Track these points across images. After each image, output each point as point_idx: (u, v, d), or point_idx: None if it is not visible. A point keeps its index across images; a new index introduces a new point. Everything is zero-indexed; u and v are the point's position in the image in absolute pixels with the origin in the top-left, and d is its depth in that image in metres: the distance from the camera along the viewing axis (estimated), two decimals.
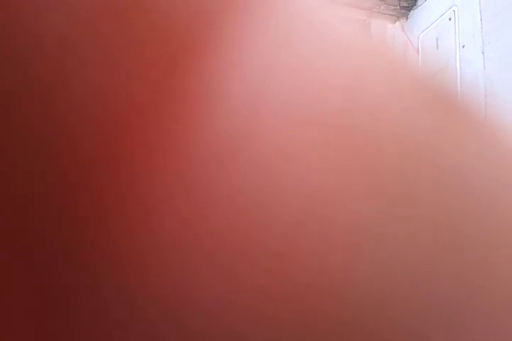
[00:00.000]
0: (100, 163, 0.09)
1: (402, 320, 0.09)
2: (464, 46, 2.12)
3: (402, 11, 2.42)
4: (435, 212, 0.09)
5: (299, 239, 0.09)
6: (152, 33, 0.09)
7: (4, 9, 0.08)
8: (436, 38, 2.27)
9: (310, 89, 0.09)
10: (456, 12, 2.22)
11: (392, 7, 2.37)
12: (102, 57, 0.09)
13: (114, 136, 0.09)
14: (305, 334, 0.09)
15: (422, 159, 0.10)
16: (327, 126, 0.09)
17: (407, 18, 2.45)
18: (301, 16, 0.10)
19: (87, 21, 0.09)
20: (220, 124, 0.09)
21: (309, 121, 0.09)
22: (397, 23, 2.44)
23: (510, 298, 0.10)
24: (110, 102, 0.09)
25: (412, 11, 2.44)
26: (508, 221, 0.10)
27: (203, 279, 0.09)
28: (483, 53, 2.03)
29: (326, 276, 0.09)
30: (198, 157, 0.09)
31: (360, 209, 0.09)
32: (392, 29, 2.44)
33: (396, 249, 0.09)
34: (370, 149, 0.09)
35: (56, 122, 0.08)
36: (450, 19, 2.23)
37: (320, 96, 0.09)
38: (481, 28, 2.08)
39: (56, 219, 0.09)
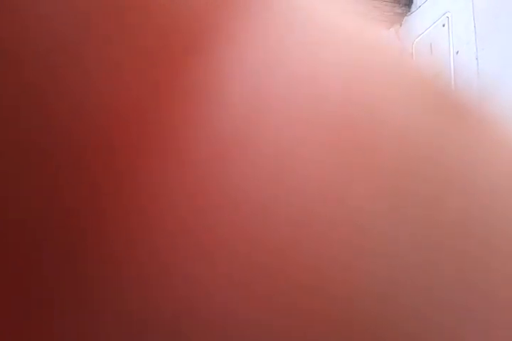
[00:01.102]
0: (100, 164, 0.08)
1: (402, 321, 0.09)
2: (457, 52, 2.14)
3: (397, 17, 2.43)
4: (437, 212, 0.09)
5: (300, 238, 0.09)
6: (152, 31, 0.09)
7: (3, 14, 0.08)
8: (430, 44, 2.28)
9: (310, 86, 0.09)
10: (449, 18, 2.23)
11: (386, 13, 2.38)
12: (101, 60, 0.08)
13: (115, 138, 0.09)
14: (305, 334, 0.09)
15: (423, 158, 0.10)
16: (328, 125, 0.09)
17: (401, 24, 2.46)
18: (301, 13, 0.10)
19: (86, 22, 0.08)
20: (220, 123, 0.09)
21: (310, 120, 0.09)
22: (391, 29, 2.46)
23: None
24: (110, 104, 0.08)
25: (406, 17, 2.45)
26: (510, 221, 0.10)
27: (203, 282, 0.09)
28: (477, 59, 2.04)
29: (327, 277, 0.09)
30: (198, 157, 0.09)
31: (361, 208, 0.09)
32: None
33: (397, 249, 0.09)
34: (371, 148, 0.09)
35: (57, 130, 0.08)
36: (444, 25, 2.24)
37: (320, 93, 0.09)
38: (475, 34, 2.09)
39: (56, 225, 0.08)
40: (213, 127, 0.09)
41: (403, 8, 2.45)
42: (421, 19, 2.39)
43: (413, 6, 2.45)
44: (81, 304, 0.09)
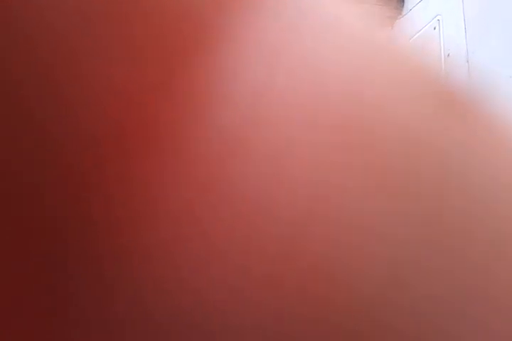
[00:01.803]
0: (109, 159, 0.09)
1: (406, 308, 0.09)
2: (448, 55, 2.15)
3: (388, 20, 2.44)
4: (439, 210, 0.09)
5: (304, 231, 0.09)
6: (157, 27, 0.09)
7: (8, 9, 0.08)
8: (422, 47, 2.29)
9: (312, 85, 0.09)
10: (440, 21, 2.24)
11: (377, 16, 2.39)
12: (107, 59, 0.08)
13: (121, 132, 0.09)
14: (312, 326, 0.09)
15: (424, 156, 0.10)
16: (329, 123, 0.09)
17: (392, 28, 2.47)
18: (302, 12, 0.10)
19: (91, 20, 0.08)
20: (222, 120, 0.09)
21: (312, 118, 0.09)
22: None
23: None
24: (117, 99, 0.09)
25: (397, 20, 2.47)
26: (510, 220, 0.10)
27: (210, 273, 0.09)
28: (467, 62, 2.05)
29: (330, 275, 0.09)
30: (206, 154, 0.09)
31: (363, 208, 0.09)
32: None
33: (399, 248, 0.09)
34: (372, 146, 0.09)
35: (68, 122, 0.08)
36: (435, 28, 2.25)
37: (322, 92, 0.09)
38: (465, 37, 2.10)
39: (66, 216, 0.09)
40: (216, 124, 0.09)
41: (394, 11, 2.46)
42: (412, 22, 2.40)
43: (404, 9, 2.46)
44: (92, 293, 0.09)
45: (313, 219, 0.09)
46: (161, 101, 0.09)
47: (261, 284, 0.09)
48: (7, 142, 0.08)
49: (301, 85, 0.09)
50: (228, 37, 0.09)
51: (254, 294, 0.09)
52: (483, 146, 0.10)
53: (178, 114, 0.09)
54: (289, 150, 0.09)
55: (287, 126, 0.09)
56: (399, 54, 0.11)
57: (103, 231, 0.09)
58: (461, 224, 0.10)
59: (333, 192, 0.09)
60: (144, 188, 0.09)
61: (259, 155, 0.09)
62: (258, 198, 0.09)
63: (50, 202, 0.08)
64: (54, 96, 0.08)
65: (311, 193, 0.09)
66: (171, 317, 0.09)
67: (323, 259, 0.09)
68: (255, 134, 0.09)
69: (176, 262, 0.09)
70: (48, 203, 0.08)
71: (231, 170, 0.09)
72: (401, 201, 0.09)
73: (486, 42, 2.00)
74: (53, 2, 0.08)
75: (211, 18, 0.09)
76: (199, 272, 0.09)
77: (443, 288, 0.09)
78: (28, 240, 0.09)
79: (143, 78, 0.09)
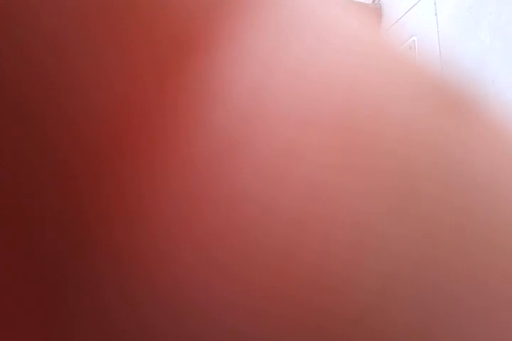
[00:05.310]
0: (104, 161, 0.09)
1: (405, 317, 0.09)
2: None
3: None
4: (438, 210, 0.09)
5: (299, 237, 0.09)
6: (152, 29, 0.09)
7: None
8: None
9: (312, 86, 0.09)
10: (416, 42, 2.29)
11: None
12: (107, 60, 0.09)
13: (117, 133, 0.09)
14: (307, 332, 0.09)
15: (424, 157, 0.09)
16: (329, 125, 0.09)
17: None
18: (302, 12, 0.10)
19: (91, 20, 0.09)
20: (220, 122, 0.09)
21: (311, 119, 0.09)
22: None
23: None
24: (113, 100, 0.09)
25: None
26: (510, 220, 0.10)
27: (204, 278, 0.09)
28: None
29: (327, 275, 0.09)
30: (199, 156, 0.09)
31: (361, 208, 0.09)
32: None
33: (399, 248, 0.09)
34: (372, 147, 0.09)
35: (63, 122, 0.08)
36: (410, 48, 2.30)
37: (322, 93, 0.09)
38: (440, 57, 2.15)
39: (60, 218, 0.09)
40: (214, 126, 0.09)
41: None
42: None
43: (381, 28, 2.50)
44: (85, 291, 0.09)
45: (311, 220, 0.09)
46: (158, 103, 0.09)
47: (254, 290, 0.09)
48: (4, 145, 0.08)
49: (300, 86, 0.09)
50: (226, 37, 0.09)
51: (247, 300, 0.09)
52: (482, 145, 0.10)
53: (175, 116, 0.09)
54: (288, 151, 0.09)
55: (286, 126, 0.09)
56: (396, 55, 0.11)
57: (97, 232, 0.09)
58: (461, 224, 0.09)
59: (332, 193, 0.09)
60: (139, 190, 0.08)
61: (258, 157, 0.09)
62: (256, 200, 0.09)
63: (46, 205, 0.08)
64: (49, 99, 0.08)
65: (309, 194, 0.09)
66: (164, 320, 0.09)
67: (320, 261, 0.09)
68: (254, 135, 0.09)
69: (170, 268, 0.09)
70: (44, 206, 0.08)
71: (229, 172, 0.09)
72: (401, 201, 0.09)
73: (460, 62, 2.05)
74: (48, 5, 0.08)
75: (209, 19, 0.09)
76: (191, 278, 0.09)
77: (444, 286, 0.09)
78: (22, 242, 0.09)
79: (140, 79, 0.09)
